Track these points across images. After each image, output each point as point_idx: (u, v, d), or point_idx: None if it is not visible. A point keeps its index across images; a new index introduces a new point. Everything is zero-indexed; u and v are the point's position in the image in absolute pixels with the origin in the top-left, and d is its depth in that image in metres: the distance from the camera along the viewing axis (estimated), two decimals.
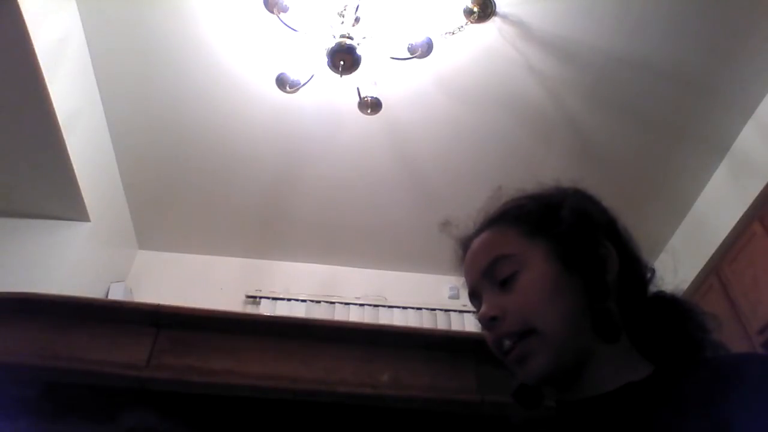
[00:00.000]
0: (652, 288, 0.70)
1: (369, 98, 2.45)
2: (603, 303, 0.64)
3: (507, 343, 0.65)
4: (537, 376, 0.63)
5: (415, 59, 2.31)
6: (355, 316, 3.36)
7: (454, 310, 3.39)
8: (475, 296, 0.72)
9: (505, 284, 0.66)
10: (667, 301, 0.69)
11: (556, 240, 0.67)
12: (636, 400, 0.59)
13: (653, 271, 0.71)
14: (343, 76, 2.15)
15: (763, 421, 0.49)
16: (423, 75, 2.57)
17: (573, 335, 0.63)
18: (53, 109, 2.24)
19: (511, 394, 0.68)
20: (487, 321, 0.66)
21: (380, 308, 3.41)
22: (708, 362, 0.61)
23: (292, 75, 2.38)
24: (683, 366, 0.61)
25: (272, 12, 2.14)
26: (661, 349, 0.65)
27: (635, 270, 0.69)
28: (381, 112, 2.51)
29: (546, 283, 0.65)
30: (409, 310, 3.43)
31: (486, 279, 0.69)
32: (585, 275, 0.65)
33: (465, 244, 0.75)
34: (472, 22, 2.32)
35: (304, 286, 3.49)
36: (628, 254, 0.69)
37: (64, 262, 2.69)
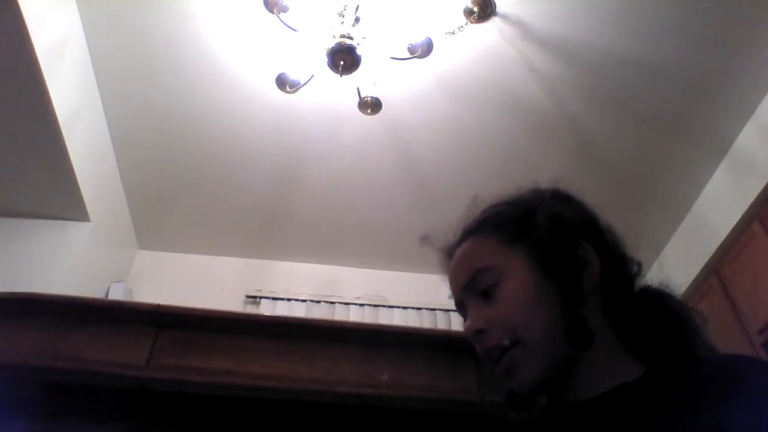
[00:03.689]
0: (639, 283, 0.70)
1: (369, 98, 2.45)
2: (576, 309, 0.63)
3: (495, 354, 0.65)
4: (526, 387, 0.64)
5: (415, 59, 2.30)
6: (355, 316, 3.36)
7: (454, 310, 3.33)
8: (461, 307, 0.72)
9: (487, 296, 0.67)
10: (653, 296, 0.68)
11: (533, 247, 0.67)
12: (628, 401, 0.58)
13: (640, 265, 0.71)
14: (343, 76, 2.15)
15: (755, 425, 0.49)
16: (423, 75, 2.57)
17: (558, 342, 0.62)
18: (53, 109, 2.24)
19: (504, 399, 0.68)
20: (472, 334, 0.66)
21: (380, 308, 3.41)
22: (700, 364, 0.60)
23: (292, 75, 2.38)
24: (675, 367, 0.61)
25: (272, 12, 2.14)
26: (650, 347, 0.65)
27: (620, 267, 0.69)
28: (381, 112, 2.51)
29: (527, 292, 0.65)
30: (409, 310, 3.43)
31: (469, 291, 0.69)
32: (561, 281, 0.64)
33: (448, 254, 0.76)
34: (472, 22, 2.32)
35: (304, 286, 3.49)
36: (612, 252, 0.69)
37: (64, 262, 2.69)
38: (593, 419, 0.60)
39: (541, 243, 0.67)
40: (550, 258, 0.65)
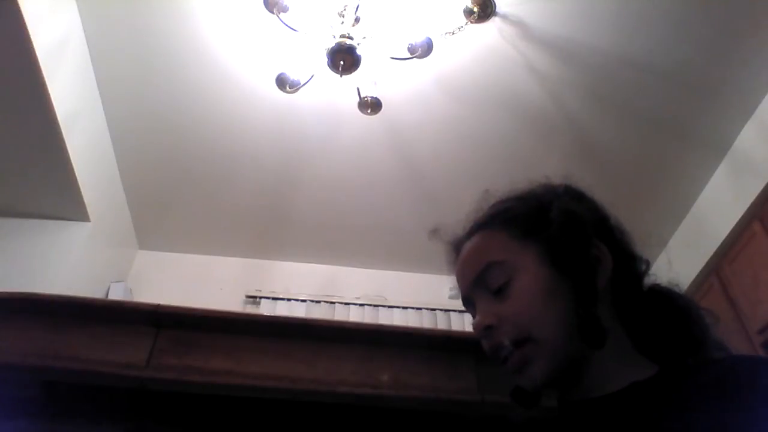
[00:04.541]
0: (648, 281, 0.70)
1: (369, 98, 2.44)
2: (590, 308, 0.62)
3: (504, 351, 0.63)
4: (537, 383, 0.62)
5: (415, 59, 2.30)
6: (355, 316, 3.36)
7: (454, 310, 3.38)
8: (468, 302, 0.71)
9: (498, 292, 0.65)
10: (663, 295, 0.68)
11: (546, 243, 0.66)
12: (641, 400, 0.58)
13: (648, 263, 0.70)
14: (343, 76, 2.15)
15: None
16: (423, 75, 2.57)
17: (570, 339, 0.62)
18: (53, 109, 2.24)
19: (509, 394, 0.68)
20: (482, 330, 0.65)
21: (380, 308, 3.41)
22: (714, 364, 0.60)
23: (292, 75, 2.38)
24: (688, 366, 0.61)
25: (272, 12, 2.14)
26: (661, 346, 0.65)
27: (630, 266, 0.68)
28: (381, 112, 2.51)
29: (539, 289, 0.64)
30: (409, 310, 3.44)
31: (478, 286, 0.68)
32: (575, 279, 0.64)
33: (456, 248, 0.74)
34: (472, 22, 2.32)
35: (304, 286, 3.49)
36: (622, 250, 0.68)
37: (64, 262, 2.69)
38: (605, 417, 0.59)
39: (554, 240, 0.65)
40: (563, 255, 0.64)
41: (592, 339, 0.61)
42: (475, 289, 0.68)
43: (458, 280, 0.72)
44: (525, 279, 0.64)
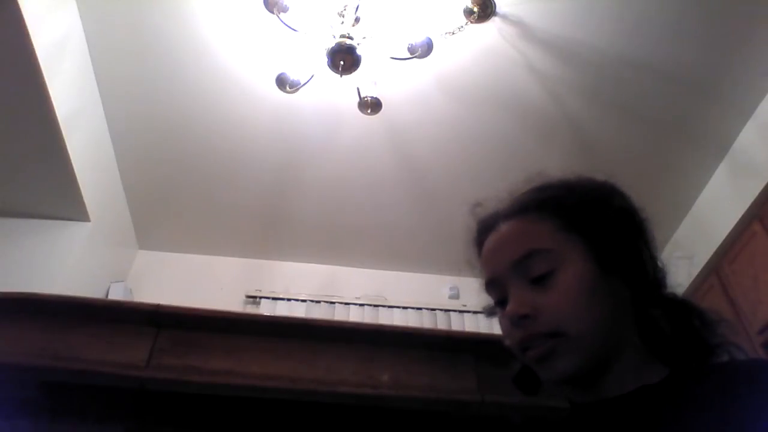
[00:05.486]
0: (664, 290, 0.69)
1: (369, 98, 2.44)
2: (650, 309, 0.62)
3: (533, 343, 0.61)
4: (560, 376, 0.61)
5: (415, 59, 2.30)
6: (355, 316, 3.36)
7: (454, 310, 3.38)
8: (494, 285, 0.67)
9: (537, 280, 0.62)
10: (678, 303, 0.67)
11: (595, 238, 0.64)
12: (651, 403, 0.58)
13: (665, 272, 0.69)
14: (343, 76, 2.15)
15: None
16: (423, 75, 2.57)
17: (603, 340, 0.61)
18: (53, 109, 2.24)
19: (512, 379, 0.67)
20: (517, 319, 0.62)
21: (380, 308, 3.41)
22: (724, 366, 0.60)
23: (292, 75, 2.38)
24: (699, 369, 0.61)
25: (272, 12, 2.14)
26: (674, 351, 0.64)
27: (656, 272, 0.67)
28: (381, 112, 2.51)
29: (584, 285, 0.61)
30: (409, 310, 3.43)
31: (516, 271, 0.64)
32: (627, 279, 0.63)
33: (487, 225, 0.70)
34: (472, 22, 2.32)
35: (304, 286, 3.49)
36: (653, 255, 0.68)
37: (64, 262, 2.69)
38: (615, 419, 0.59)
39: (607, 237, 0.64)
40: (613, 254, 0.63)
41: (652, 339, 0.62)
42: (510, 273, 0.64)
43: (489, 259, 0.68)
44: (570, 272, 0.62)
